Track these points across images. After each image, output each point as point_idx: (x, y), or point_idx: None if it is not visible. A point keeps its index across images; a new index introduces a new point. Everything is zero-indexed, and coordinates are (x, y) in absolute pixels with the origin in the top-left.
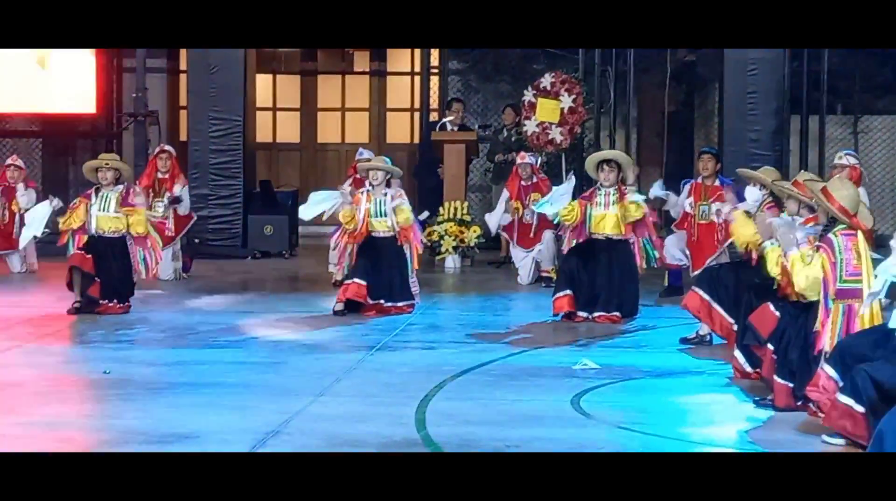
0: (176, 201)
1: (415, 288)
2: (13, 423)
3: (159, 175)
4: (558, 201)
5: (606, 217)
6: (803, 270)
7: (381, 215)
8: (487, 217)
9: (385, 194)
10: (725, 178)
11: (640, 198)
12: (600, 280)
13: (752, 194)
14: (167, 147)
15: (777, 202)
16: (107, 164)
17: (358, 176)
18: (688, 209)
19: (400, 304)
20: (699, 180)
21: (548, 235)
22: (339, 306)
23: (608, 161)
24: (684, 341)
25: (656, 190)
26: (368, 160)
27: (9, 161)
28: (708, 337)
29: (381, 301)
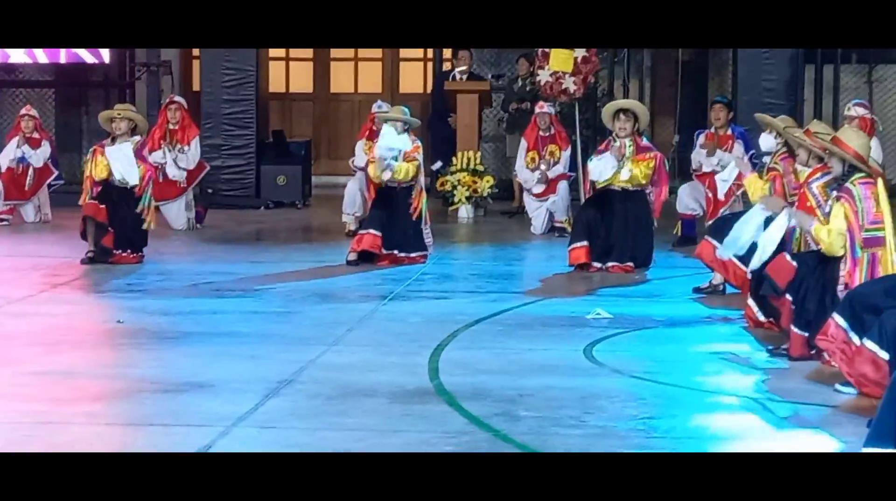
0: (183, 159)
1: (428, 239)
2: (27, 372)
3: (170, 127)
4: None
5: (622, 169)
6: (825, 230)
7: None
8: (519, 170)
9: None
10: (738, 127)
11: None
12: (615, 231)
13: (767, 141)
14: (177, 98)
15: (790, 152)
16: (120, 114)
17: (374, 128)
18: (702, 160)
19: (413, 254)
20: (712, 130)
21: (562, 185)
22: (353, 256)
23: (625, 111)
24: (697, 290)
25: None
26: (386, 113)
27: (23, 111)
28: (721, 286)
29: (395, 251)
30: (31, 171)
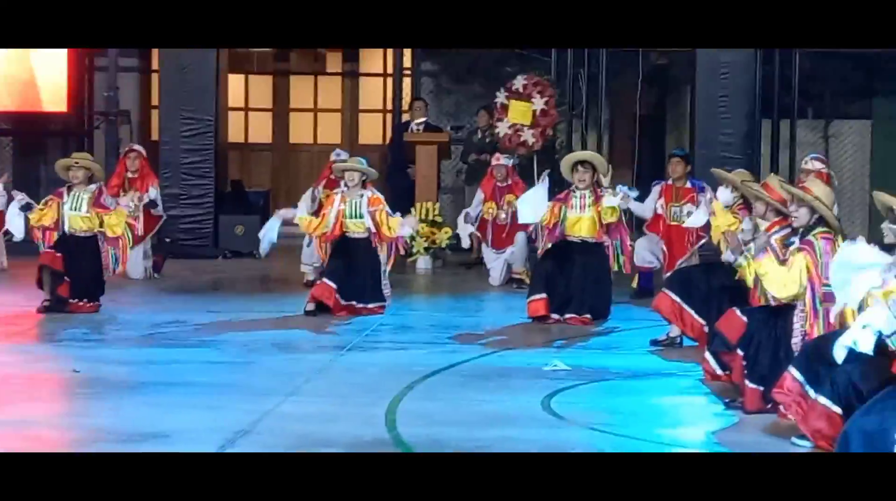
0: (152, 204)
1: (386, 290)
2: None
3: (129, 175)
4: (539, 207)
5: (582, 220)
6: (777, 273)
7: (356, 217)
8: (460, 226)
9: (361, 196)
10: (697, 180)
11: (615, 202)
12: (574, 283)
13: (724, 195)
14: (136, 147)
15: (748, 205)
16: (77, 163)
17: (332, 177)
18: (659, 211)
19: (371, 305)
20: (670, 182)
21: (520, 236)
22: (311, 306)
23: (583, 162)
24: (655, 342)
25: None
26: (345, 161)
27: None
28: (678, 339)
29: (353, 302)
30: None
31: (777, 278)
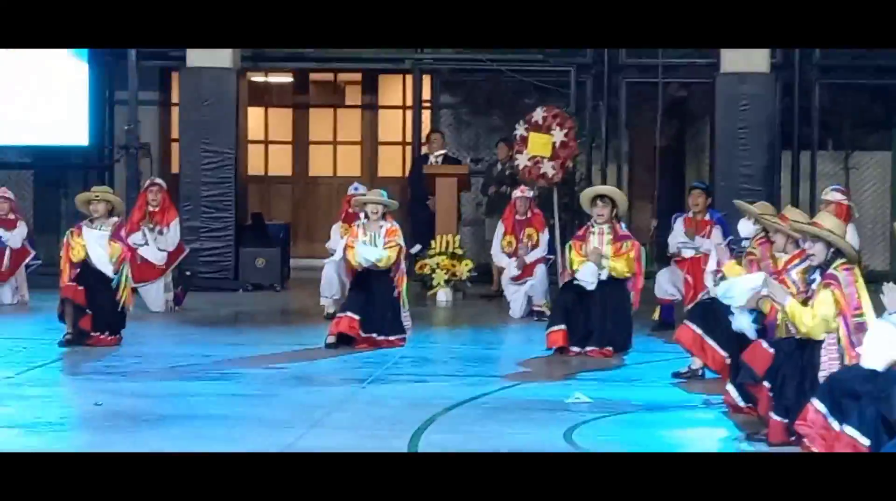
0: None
1: (407, 322)
2: (3, 453)
3: (150, 208)
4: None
5: (602, 271)
6: (808, 313)
7: (377, 248)
8: (495, 254)
9: (381, 227)
10: (716, 212)
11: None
12: (594, 315)
13: (746, 227)
14: (157, 181)
15: (768, 238)
16: (97, 196)
17: (351, 211)
18: (679, 244)
19: (392, 338)
20: (690, 215)
21: (540, 269)
22: (332, 339)
23: (602, 197)
24: (677, 375)
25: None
26: (364, 195)
27: None
28: (700, 371)
29: (374, 335)
30: (7, 252)
31: (806, 319)
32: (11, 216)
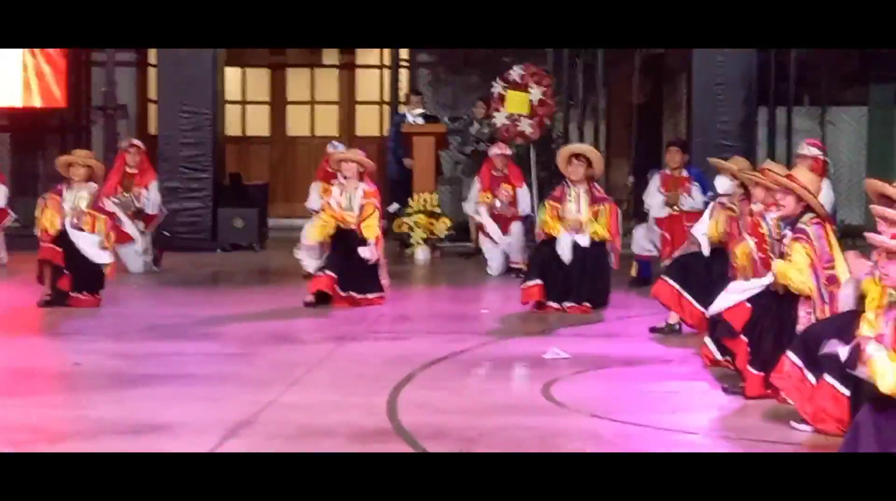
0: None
1: (385, 280)
2: None
3: (128, 170)
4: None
5: (581, 237)
6: (794, 269)
7: (352, 209)
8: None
9: (357, 188)
10: (694, 168)
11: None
12: (573, 272)
13: (723, 183)
14: (135, 142)
15: (748, 195)
16: (79, 161)
17: (329, 170)
18: (652, 202)
19: (370, 296)
20: (667, 172)
21: (517, 226)
22: (310, 298)
23: (578, 156)
24: (654, 330)
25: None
26: (343, 153)
27: None
28: (677, 326)
29: (352, 293)
30: None
31: (794, 274)
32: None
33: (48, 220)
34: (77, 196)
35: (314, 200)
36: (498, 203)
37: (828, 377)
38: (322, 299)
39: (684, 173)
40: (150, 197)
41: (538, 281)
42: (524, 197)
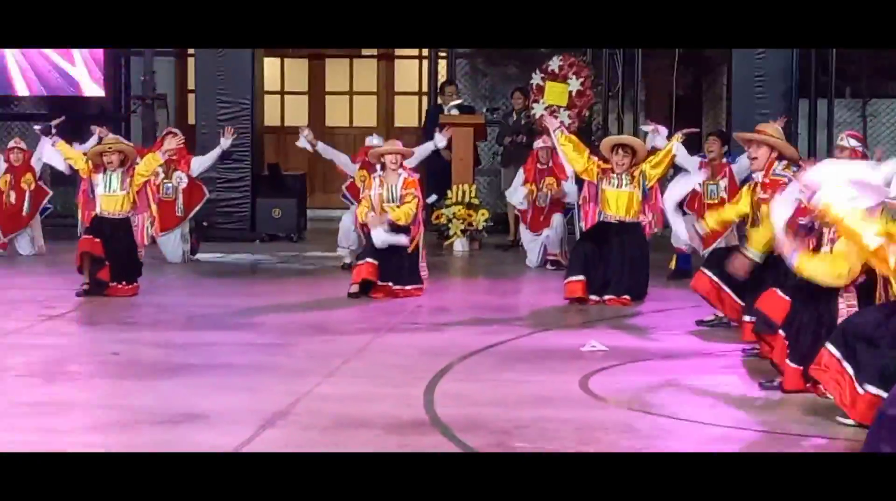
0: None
1: (423, 272)
2: (22, 402)
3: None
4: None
5: (619, 197)
6: (817, 269)
7: (394, 200)
8: (509, 194)
9: (399, 177)
10: (735, 156)
11: (659, 141)
12: (613, 264)
13: (744, 160)
14: (174, 129)
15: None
16: (110, 147)
17: (368, 160)
18: (698, 188)
19: (409, 287)
20: (706, 160)
21: (557, 218)
22: (354, 289)
23: (623, 146)
24: (701, 323)
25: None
26: (379, 146)
27: (11, 144)
28: (725, 318)
29: (390, 284)
30: (26, 197)
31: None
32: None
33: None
34: (110, 180)
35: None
36: (542, 198)
37: (870, 387)
38: (364, 288)
39: (724, 161)
40: (194, 167)
41: (581, 277)
42: (570, 189)
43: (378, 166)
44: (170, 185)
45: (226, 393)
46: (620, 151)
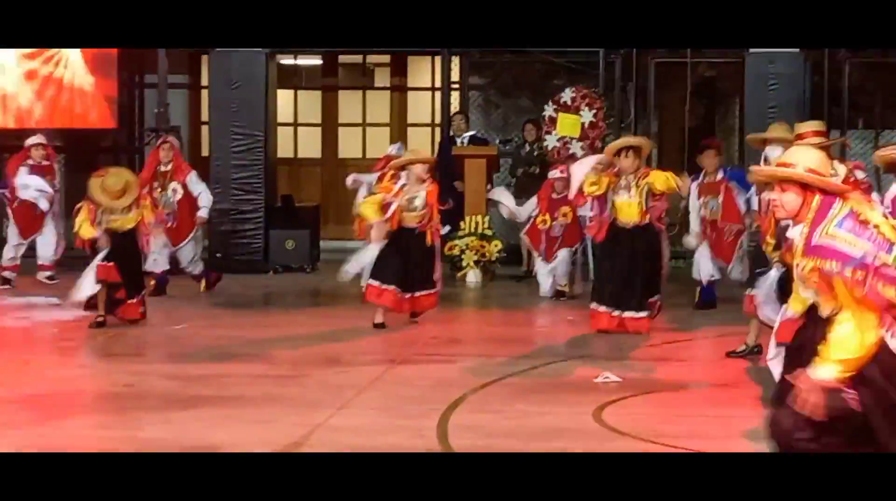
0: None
1: (437, 274)
2: (33, 434)
3: (161, 167)
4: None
5: (631, 205)
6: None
7: (413, 210)
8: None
9: (422, 186)
10: (735, 170)
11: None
12: (630, 277)
13: (774, 153)
14: (170, 138)
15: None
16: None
17: (387, 170)
18: (702, 212)
19: (424, 293)
20: (702, 177)
21: (563, 252)
22: (380, 319)
23: (627, 149)
24: (731, 354)
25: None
26: (400, 155)
27: (32, 140)
28: (757, 348)
29: (412, 294)
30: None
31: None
32: (46, 163)
33: (87, 227)
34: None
35: (361, 192)
36: (556, 228)
37: None
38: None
39: (719, 176)
40: (193, 184)
41: (607, 309)
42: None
43: (402, 175)
44: (167, 195)
45: (238, 425)
46: (626, 153)
